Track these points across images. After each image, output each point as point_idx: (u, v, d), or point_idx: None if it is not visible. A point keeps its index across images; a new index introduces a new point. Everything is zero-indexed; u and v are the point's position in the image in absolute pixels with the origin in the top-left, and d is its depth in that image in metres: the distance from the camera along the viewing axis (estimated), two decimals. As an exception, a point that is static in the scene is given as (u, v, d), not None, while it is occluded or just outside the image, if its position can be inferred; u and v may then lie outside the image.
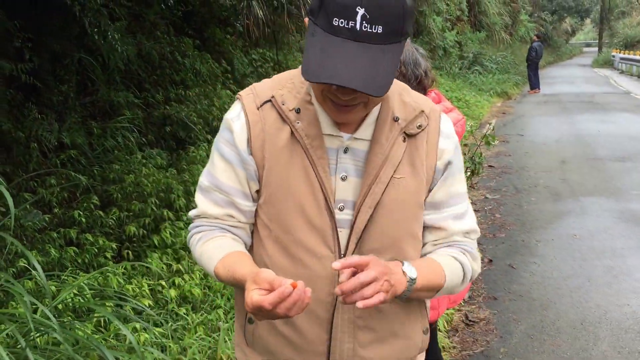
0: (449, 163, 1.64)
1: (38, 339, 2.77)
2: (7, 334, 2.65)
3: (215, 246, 1.63)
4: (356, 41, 1.35)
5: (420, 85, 2.63)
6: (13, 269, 4.09)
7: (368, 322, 1.62)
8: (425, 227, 1.68)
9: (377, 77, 1.36)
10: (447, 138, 1.65)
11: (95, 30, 5.65)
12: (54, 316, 2.75)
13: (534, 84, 23.70)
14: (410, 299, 1.57)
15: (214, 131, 7.38)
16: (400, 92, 1.65)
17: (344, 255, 1.57)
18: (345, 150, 1.57)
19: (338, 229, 1.56)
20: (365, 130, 1.57)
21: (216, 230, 1.68)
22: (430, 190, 1.64)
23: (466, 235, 1.71)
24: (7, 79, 5.39)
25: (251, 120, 1.60)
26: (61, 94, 6.04)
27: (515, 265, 5.95)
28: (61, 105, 6.06)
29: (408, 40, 2.62)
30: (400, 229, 1.60)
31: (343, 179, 1.57)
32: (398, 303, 1.61)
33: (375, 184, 1.55)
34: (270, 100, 1.60)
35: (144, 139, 6.77)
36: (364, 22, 1.33)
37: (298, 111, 1.58)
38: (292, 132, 1.57)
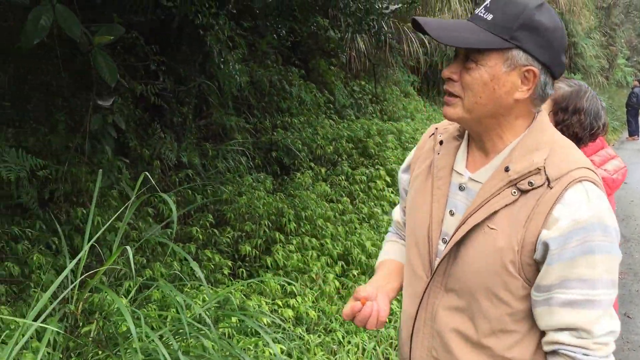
0: (564, 237, 1.43)
1: (183, 342, 2.92)
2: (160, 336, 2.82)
3: (385, 250, 1.99)
4: (469, 21, 1.54)
5: (592, 137, 2.69)
6: (140, 277, 4.32)
7: (440, 354, 1.65)
8: (533, 307, 1.53)
9: (457, 36, 1.50)
10: (568, 207, 1.44)
11: (218, 58, 5.94)
12: (190, 324, 2.91)
13: (634, 131, 22.95)
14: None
15: (317, 159, 7.56)
16: (552, 147, 1.53)
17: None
18: (462, 188, 1.63)
19: (436, 259, 1.64)
20: (483, 174, 1.60)
21: (394, 234, 2.03)
22: (537, 263, 1.49)
23: (580, 334, 1.47)
24: (136, 99, 5.72)
25: (419, 145, 1.83)
26: (181, 116, 6.35)
27: (632, 314, 5.81)
28: (180, 126, 6.37)
29: (593, 92, 2.71)
30: (478, 280, 1.54)
31: (451, 213, 1.63)
32: (469, 345, 1.60)
33: (465, 224, 1.55)
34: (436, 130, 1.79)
35: (251, 163, 7.02)
36: (483, 9, 1.52)
37: (441, 143, 1.72)
38: (432, 162, 1.72)
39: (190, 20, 5.67)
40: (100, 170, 3.65)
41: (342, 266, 5.37)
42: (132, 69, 5.69)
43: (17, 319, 2.62)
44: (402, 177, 1.89)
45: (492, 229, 1.50)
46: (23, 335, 3.39)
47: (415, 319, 1.68)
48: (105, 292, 3.70)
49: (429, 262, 1.65)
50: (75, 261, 2.91)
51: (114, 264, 4.41)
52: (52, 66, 5.42)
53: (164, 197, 5.46)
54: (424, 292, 1.65)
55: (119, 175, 5.20)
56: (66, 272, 2.62)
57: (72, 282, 3.24)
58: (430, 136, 1.80)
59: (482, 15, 1.52)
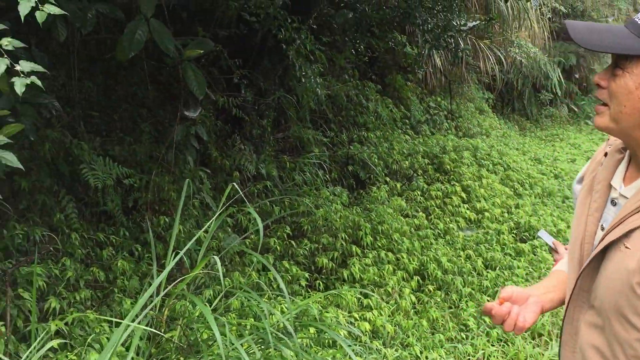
0: None
1: (265, 351, 2.94)
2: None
3: (565, 260, 1.93)
4: (624, 26, 1.47)
5: None
6: (219, 286, 4.37)
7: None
8: None
9: (600, 41, 1.43)
10: None
11: (299, 72, 6.00)
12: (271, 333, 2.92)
13: None
14: None
15: (393, 174, 7.52)
16: None
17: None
18: (614, 202, 1.58)
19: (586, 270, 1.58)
20: (632, 189, 1.54)
21: None
22: None
23: None
24: (218, 111, 5.83)
25: (593, 156, 1.76)
26: (260, 128, 6.44)
27: None
28: (259, 138, 6.45)
29: None
30: (610, 299, 1.47)
31: (602, 228, 1.58)
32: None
33: (603, 240, 1.50)
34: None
35: (327, 176, 7.04)
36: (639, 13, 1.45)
37: (605, 155, 1.66)
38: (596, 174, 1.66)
39: (272, 34, 5.75)
40: (187, 180, 3.72)
41: (418, 281, 5.32)
42: (215, 81, 5.80)
43: (116, 320, 2.69)
44: (575, 188, 1.86)
45: (627, 247, 1.44)
46: (108, 339, 3.48)
47: (562, 331, 1.64)
48: (188, 300, 3.76)
49: (578, 272, 1.60)
50: (167, 270, 2.96)
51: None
52: (139, 78, 5.59)
53: (243, 208, 5.57)
54: (568, 305, 1.61)
55: (200, 185, 5.30)
56: (161, 277, 2.67)
57: (156, 289, 3.31)
58: (602, 148, 1.74)
59: (637, 20, 1.44)
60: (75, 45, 4.83)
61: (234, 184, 3.48)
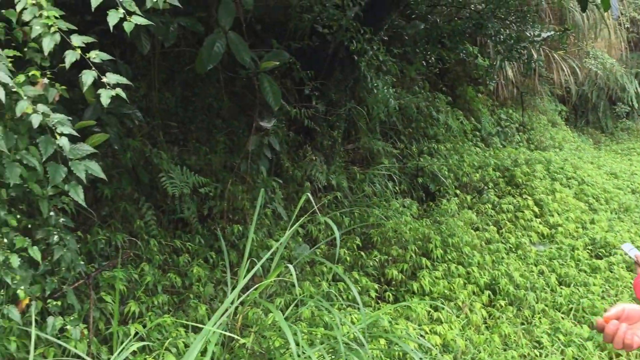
0: None
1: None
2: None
3: None
4: None
5: None
6: (290, 295, 4.44)
7: None
8: None
9: None
10: None
11: (371, 83, 6.03)
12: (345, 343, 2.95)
13: None
14: None
15: (463, 186, 7.46)
16: None
17: None
18: None
19: None
20: None
21: None
22: None
23: None
24: (289, 121, 5.92)
25: None
26: (331, 139, 6.50)
27: None
28: (329, 149, 6.51)
29: None
30: None
31: None
32: None
33: None
34: None
35: (397, 188, 7.04)
36: None
37: None
38: None
39: (344, 46, 5.81)
40: (262, 190, 3.80)
41: (489, 295, 5.25)
42: (287, 92, 5.90)
43: (193, 324, 2.77)
44: None
45: None
46: (185, 344, 3.58)
47: None
48: (261, 308, 3.83)
49: None
50: (245, 280, 3.04)
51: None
52: (215, 90, 5.74)
53: (313, 218, 5.63)
54: None
55: (272, 194, 5.39)
56: (240, 286, 2.73)
57: (231, 297, 3.39)
58: None
59: None
60: (155, 58, 5.01)
61: (308, 194, 3.54)
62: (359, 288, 4.84)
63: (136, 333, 3.52)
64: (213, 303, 4.30)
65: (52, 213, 3.12)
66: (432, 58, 8.35)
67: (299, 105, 5.83)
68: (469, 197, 7.33)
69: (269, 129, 4.84)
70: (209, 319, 3.89)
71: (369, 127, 7.31)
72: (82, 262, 3.36)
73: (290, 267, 3.07)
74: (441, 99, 8.93)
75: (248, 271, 4.77)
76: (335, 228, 3.18)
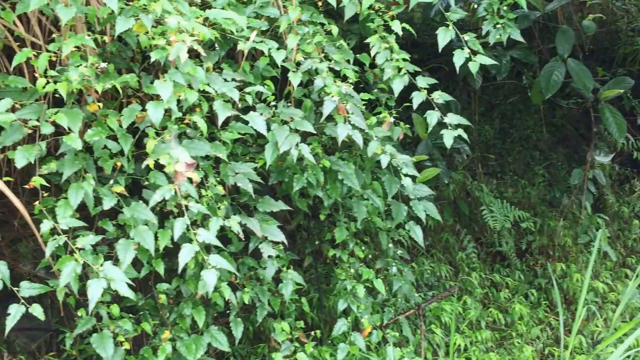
0: None
1: None
2: None
3: None
4: None
5: None
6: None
7: None
8: None
9: None
10: None
11: None
12: None
13: None
14: None
15: None
16: None
17: None
18: None
19: None
20: None
21: None
22: None
23: None
24: (615, 153, 5.53)
25: None
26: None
27: None
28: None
29: None
30: None
31: None
32: None
33: None
34: None
35: None
36: None
37: None
38: None
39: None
40: (585, 226, 3.58)
41: None
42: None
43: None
44: None
45: None
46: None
47: None
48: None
49: None
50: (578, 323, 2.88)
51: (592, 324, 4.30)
52: (533, 121, 5.62)
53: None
54: None
55: (595, 231, 5.07)
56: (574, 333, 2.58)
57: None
58: None
59: None
60: (476, 91, 5.05)
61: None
62: None
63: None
64: (534, 343, 4.15)
65: (390, 245, 3.28)
66: None
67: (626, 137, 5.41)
68: None
69: (605, 164, 4.57)
70: (534, 361, 3.77)
71: None
72: (415, 294, 3.48)
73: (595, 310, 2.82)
74: None
75: (571, 313, 4.54)
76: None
